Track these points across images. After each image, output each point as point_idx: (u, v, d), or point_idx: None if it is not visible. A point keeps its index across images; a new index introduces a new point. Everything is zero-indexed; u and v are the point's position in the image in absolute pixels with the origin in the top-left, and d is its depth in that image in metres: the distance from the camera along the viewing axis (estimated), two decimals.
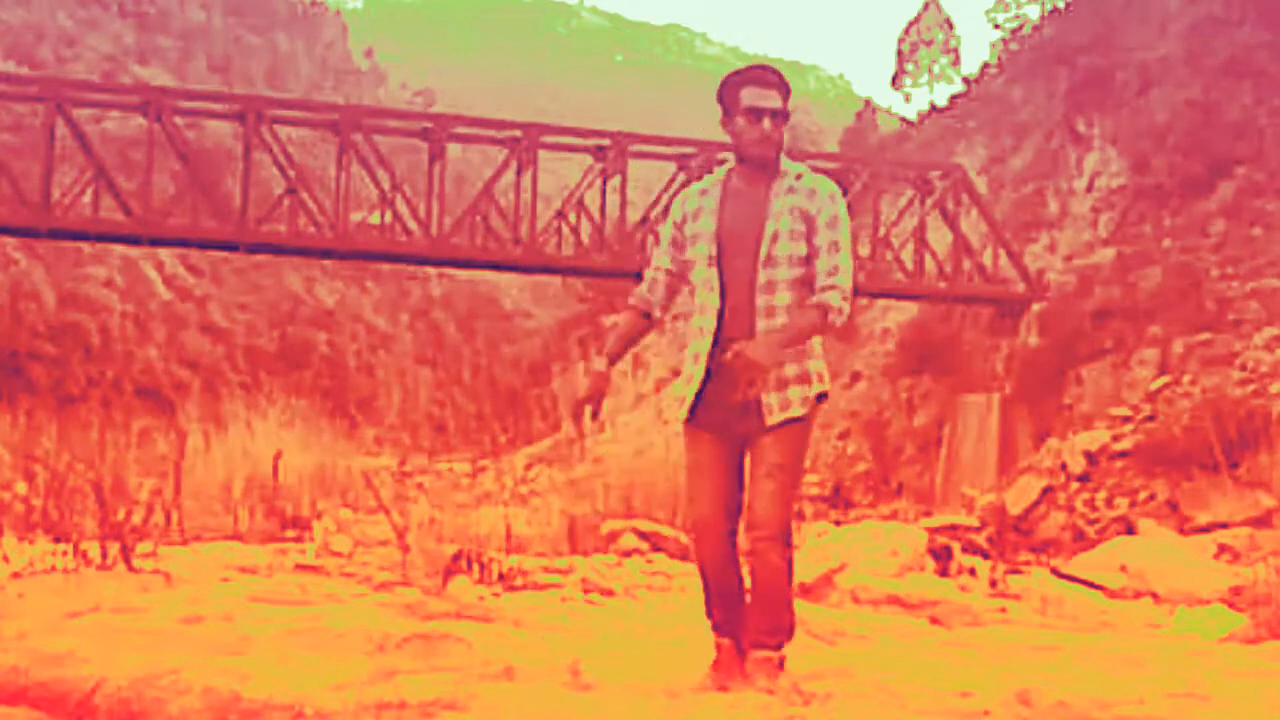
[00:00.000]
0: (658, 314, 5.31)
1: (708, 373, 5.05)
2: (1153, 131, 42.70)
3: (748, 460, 5.10)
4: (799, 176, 5.09)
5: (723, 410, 5.05)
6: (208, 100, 44.76)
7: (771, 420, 5.00)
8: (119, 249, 57.72)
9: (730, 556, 5.17)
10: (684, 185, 39.34)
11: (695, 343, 5.11)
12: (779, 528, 4.97)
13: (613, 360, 5.30)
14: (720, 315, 5.04)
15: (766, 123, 5.03)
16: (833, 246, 5.02)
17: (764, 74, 5.11)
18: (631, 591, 8.69)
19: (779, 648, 5.03)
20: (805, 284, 5.03)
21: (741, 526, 5.15)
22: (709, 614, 5.22)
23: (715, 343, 5.02)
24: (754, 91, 5.06)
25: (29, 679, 4.77)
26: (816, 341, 5.11)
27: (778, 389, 4.99)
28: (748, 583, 5.13)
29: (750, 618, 5.05)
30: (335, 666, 5.02)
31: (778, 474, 4.99)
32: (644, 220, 40.30)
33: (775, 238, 5.00)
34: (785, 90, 5.10)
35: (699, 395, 5.09)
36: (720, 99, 5.15)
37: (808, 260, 5.03)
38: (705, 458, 5.12)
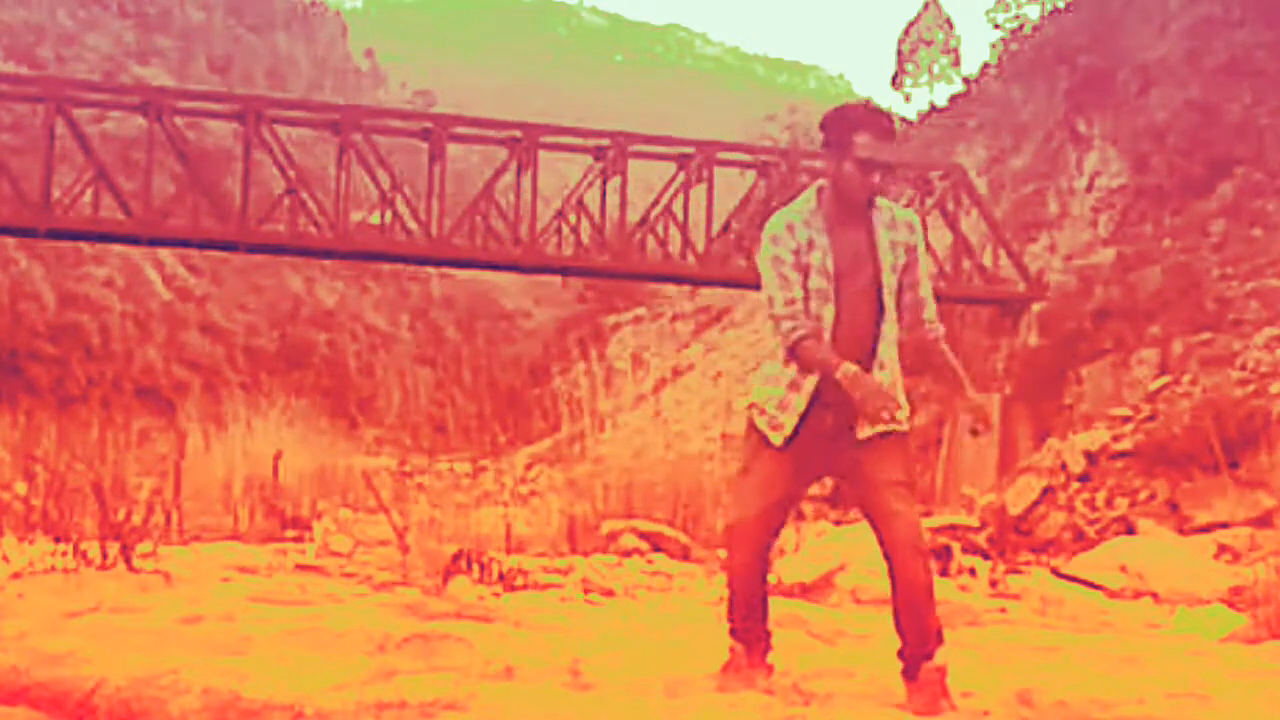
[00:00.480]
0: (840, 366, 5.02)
1: (810, 400, 5.04)
2: (1153, 131, 42.71)
3: (831, 479, 5.29)
4: (890, 211, 5.15)
5: (816, 436, 5.04)
6: (208, 100, 44.79)
7: (874, 432, 5.04)
8: (119, 249, 57.71)
9: (762, 569, 5.21)
10: (684, 186, 39.48)
11: (790, 371, 5.08)
12: (923, 543, 5.02)
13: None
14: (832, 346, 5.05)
15: (878, 176, 5.00)
16: (930, 275, 5.27)
17: (882, 122, 5.03)
18: (631, 591, 8.69)
19: (933, 655, 4.99)
20: (914, 313, 5.24)
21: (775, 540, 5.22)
22: (730, 618, 5.23)
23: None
24: (870, 142, 4.96)
25: (29, 679, 4.77)
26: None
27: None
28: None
29: (903, 632, 5.02)
30: (335, 666, 5.02)
31: (905, 491, 5.02)
32: (644, 220, 40.32)
33: (891, 271, 5.08)
34: (895, 134, 5.11)
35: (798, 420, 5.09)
36: (826, 132, 5.05)
37: (912, 290, 5.19)
38: (772, 473, 5.09)
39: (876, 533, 5.03)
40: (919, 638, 4.98)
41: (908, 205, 41.75)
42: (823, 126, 5.09)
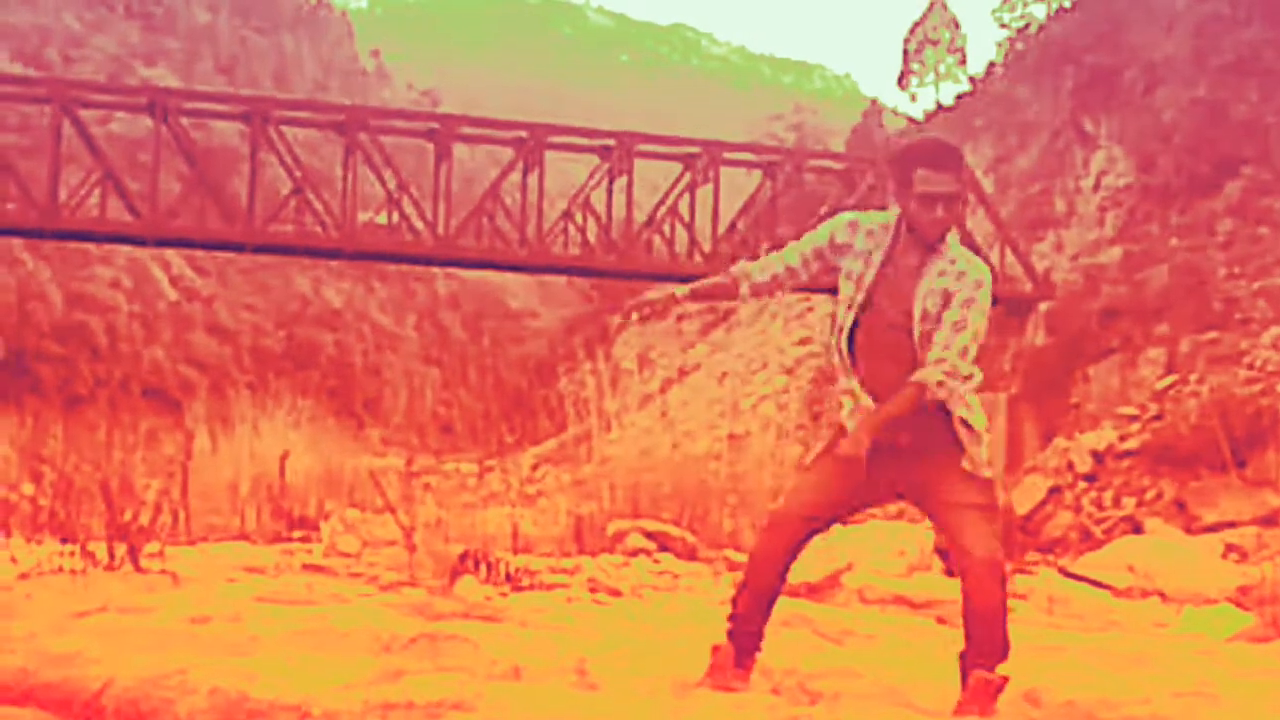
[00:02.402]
0: (746, 293, 5.22)
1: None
2: (1159, 131, 42.68)
3: (901, 498, 5.21)
4: (954, 260, 5.01)
5: (886, 452, 4.99)
6: (214, 101, 44.84)
7: (975, 471, 5.03)
8: (126, 249, 57.81)
9: (783, 560, 5.13)
10: (690, 186, 39.49)
11: (846, 383, 5.13)
12: (1001, 565, 4.99)
13: (693, 295, 5.32)
14: (852, 361, 5.08)
15: (940, 210, 4.93)
16: (957, 325, 4.94)
17: (937, 154, 4.99)
18: (638, 591, 8.69)
19: (993, 668, 4.94)
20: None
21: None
22: (734, 602, 5.16)
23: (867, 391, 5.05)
24: (926, 175, 4.92)
25: (36, 679, 4.78)
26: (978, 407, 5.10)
27: (976, 442, 5.04)
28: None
29: (970, 640, 4.97)
30: (342, 667, 5.02)
31: (989, 514, 5.02)
32: (650, 220, 40.33)
33: (924, 317, 4.96)
34: (959, 166, 5.00)
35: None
36: (892, 171, 5.05)
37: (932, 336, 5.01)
38: (837, 470, 5.05)
39: (951, 549, 5.05)
40: (984, 650, 4.94)
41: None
42: (889, 166, 5.10)
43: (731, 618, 5.12)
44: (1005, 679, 4.94)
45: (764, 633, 5.17)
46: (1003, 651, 4.97)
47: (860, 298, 5.01)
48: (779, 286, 5.26)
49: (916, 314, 4.95)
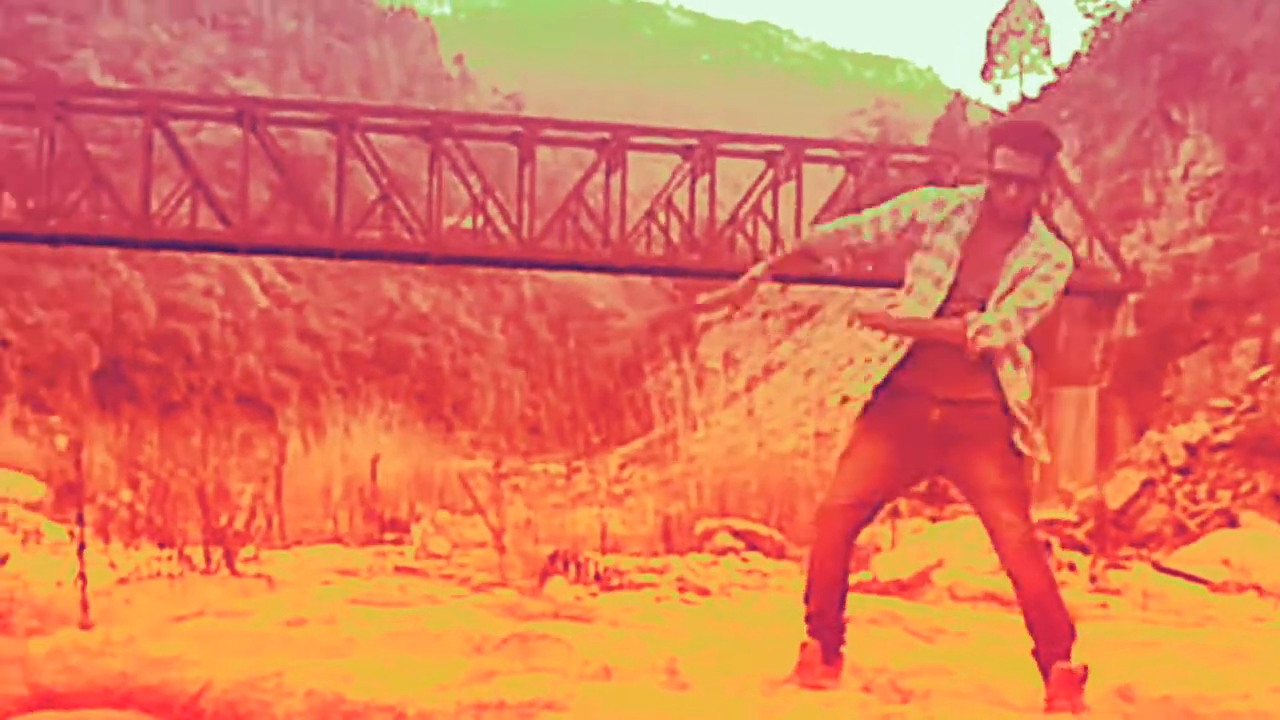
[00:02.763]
0: (815, 244, 5.24)
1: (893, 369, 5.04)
2: (1249, 118, 42.01)
3: (941, 479, 5.22)
4: (1042, 244, 5.00)
5: (913, 428, 5.01)
6: (301, 109, 45.32)
7: (1034, 453, 5.00)
8: (217, 258, 58.61)
9: (843, 550, 5.11)
10: (773, 183, 39.39)
11: (886, 348, 5.10)
12: (1036, 547, 4.98)
13: (770, 270, 5.28)
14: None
15: (1012, 189, 4.92)
16: (1028, 293, 4.92)
17: (1020, 135, 4.98)
18: (727, 590, 8.69)
19: (1068, 654, 4.92)
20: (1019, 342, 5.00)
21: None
22: (806, 600, 5.15)
23: (905, 359, 5.01)
24: (1006, 154, 4.93)
25: (136, 683, 4.86)
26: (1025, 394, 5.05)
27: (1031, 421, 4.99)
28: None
29: (1032, 631, 4.96)
30: (435, 668, 5.07)
31: (1009, 499, 4.95)
32: (734, 219, 40.26)
33: (1001, 297, 4.94)
34: (1043, 150, 4.96)
35: (886, 394, 5.07)
36: (987, 148, 5.06)
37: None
38: (874, 453, 5.07)
39: (989, 535, 5.01)
40: (1048, 637, 4.90)
41: None
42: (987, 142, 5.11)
43: (807, 618, 5.13)
44: (1085, 667, 4.89)
45: (844, 625, 5.16)
46: (1068, 633, 4.93)
47: (950, 276, 4.98)
48: (844, 244, 5.22)
49: (999, 291, 4.93)
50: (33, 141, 39.63)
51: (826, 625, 5.11)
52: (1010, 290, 4.91)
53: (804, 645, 5.10)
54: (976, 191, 5.08)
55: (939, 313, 4.97)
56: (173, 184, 39.27)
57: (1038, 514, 15.13)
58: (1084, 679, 4.88)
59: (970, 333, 4.86)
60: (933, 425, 4.97)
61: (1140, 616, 8.48)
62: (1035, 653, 4.94)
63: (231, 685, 4.73)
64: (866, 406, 5.10)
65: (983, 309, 4.91)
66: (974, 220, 5.02)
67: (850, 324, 4.89)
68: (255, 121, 37.41)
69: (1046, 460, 5.10)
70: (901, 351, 5.02)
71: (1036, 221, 5.03)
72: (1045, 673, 4.92)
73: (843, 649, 5.15)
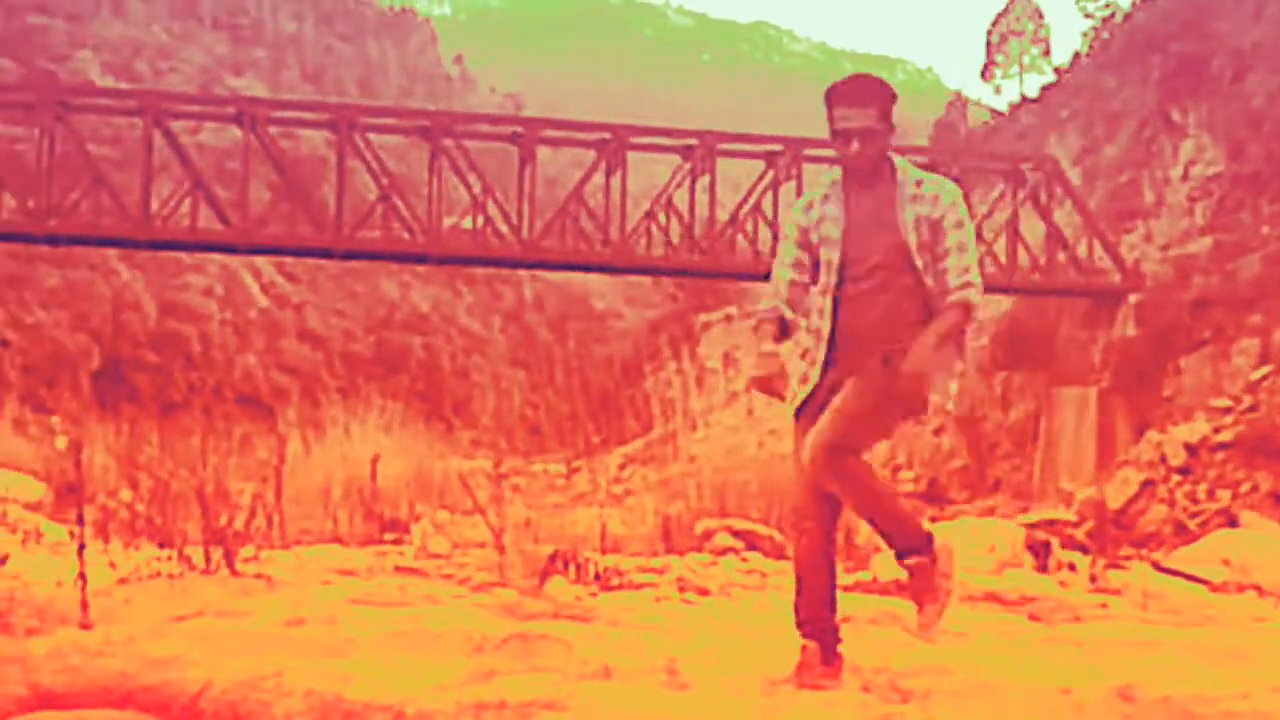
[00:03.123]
0: (789, 314, 5.23)
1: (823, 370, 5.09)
2: (1249, 118, 42.01)
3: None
4: (919, 183, 5.06)
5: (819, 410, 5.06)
6: (301, 110, 45.33)
7: (944, 401, 5.08)
8: (217, 258, 58.63)
9: (823, 553, 5.14)
10: (773, 183, 39.40)
11: (807, 341, 5.14)
12: (825, 443, 4.96)
13: (777, 341, 5.29)
14: (834, 318, 5.07)
15: (855, 144, 4.99)
16: (961, 247, 5.03)
17: (851, 91, 5.04)
18: (727, 590, 8.69)
19: (916, 550, 5.05)
20: (935, 292, 5.03)
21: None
22: (796, 608, 5.17)
23: (830, 348, 5.06)
24: (841, 112, 5.02)
25: (136, 683, 4.86)
26: None
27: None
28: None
29: (881, 537, 5.15)
30: (435, 667, 5.07)
31: (844, 403, 5.01)
32: (734, 219, 40.27)
33: (920, 247, 5.00)
34: (875, 100, 5.02)
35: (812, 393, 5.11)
36: (826, 115, 5.11)
37: (936, 263, 5.03)
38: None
39: None
40: (892, 542, 5.06)
41: (999, 198, 41.41)
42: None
43: (799, 624, 5.14)
44: (934, 558, 5.03)
45: (838, 627, 5.18)
46: (911, 540, 5.04)
47: (837, 255, 5.05)
48: (805, 295, 5.25)
49: (913, 244, 5.00)
50: (33, 141, 39.65)
51: (823, 630, 5.12)
52: (931, 239, 4.99)
53: (803, 648, 5.11)
54: (835, 173, 5.17)
55: (852, 297, 5.05)
56: (173, 184, 39.29)
57: (1038, 514, 15.13)
58: (932, 568, 5.03)
59: (971, 308, 5.00)
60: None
61: (1140, 616, 8.47)
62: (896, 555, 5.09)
63: (231, 685, 4.74)
64: (801, 406, 5.14)
65: (892, 266, 4.99)
66: (842, 197, 5.10)
67: (903, 381, 4.95)
68: (255, 121, 37.41)
69: (950, 408, 5.12)
70: (823, 350, 5.09)
71: (902, 166, 5.10)
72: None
73: (840, 648, 5.15)
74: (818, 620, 5.12)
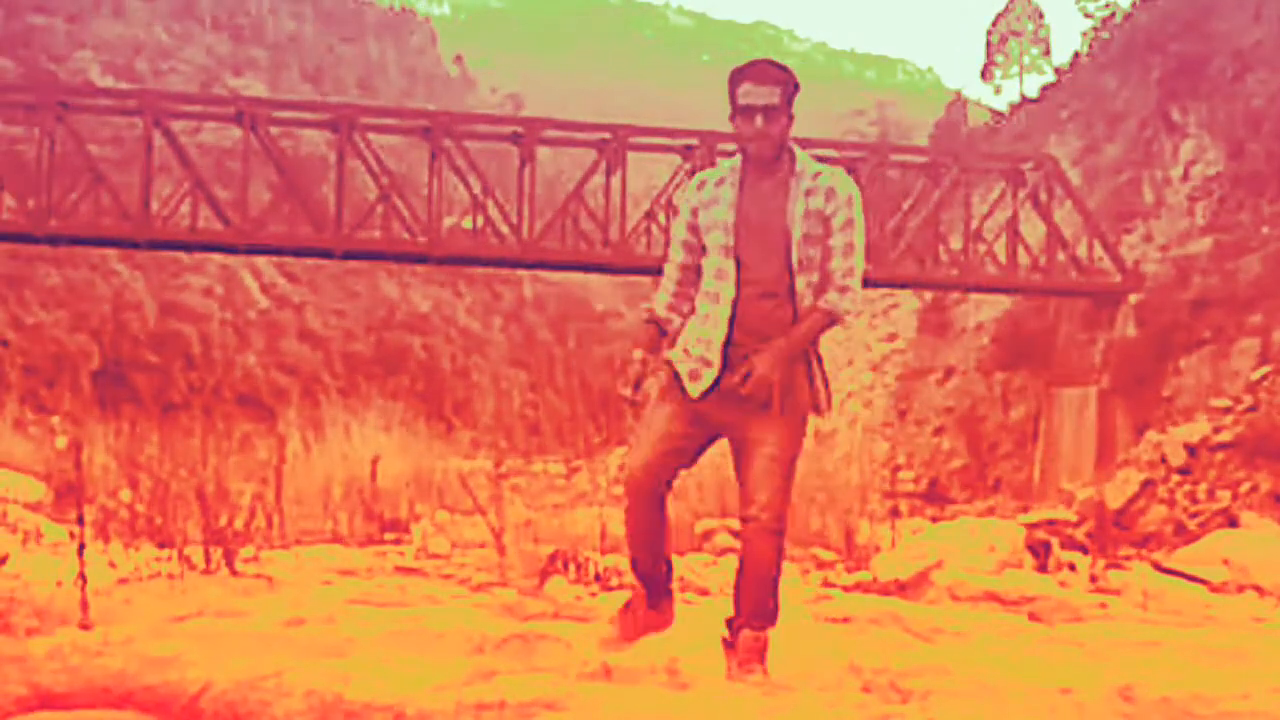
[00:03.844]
0: (677, 321, 5.26)
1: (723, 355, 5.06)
2: (1249, 117, 42.01)
3: (726, 444, 5.18)
4: (816, 175, 5.05)
5: (720, 395, 5.06)
6: (301, 110, 45.29)
7: (821, 411, 5.09)
8: (217, 258, 58.66)
9: (656, 516, 5.32)
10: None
11: (706, 329, 5.08)
12: (775, 518, 5.04)
13: (650, 351, 5.31)
14: (735, 305, 5.03)
15: (759, 119, 5.00)
16: (847, 249, 5.01)
17: (758, 70, 5.07)
18: (727, 590, 8.68)
19: (763, 629, 5.09)
20: (820, 287, 5.02)
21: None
22: (631, 557, 5.38)
23: (729, 333, 5.03)
24: (746, 88, 5.03)
25: (136, 683, 4.86)
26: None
27: (786, 385, 5.00)
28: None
29: (739, 601, 5.15)
30: (435, 667, 5.07)
31: (778, 467, 5.02)
32: None
33: (805, 239, 4.98)
34: (783, 84, 5.04)
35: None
36: (730, 100, 5.12)
37: (822, 263, 5.01)
38: (668, 422, 5.16)
39: (740, 494, 5.13)
40: (755, 613, 5.10)
41: (999, 198, 41.40)
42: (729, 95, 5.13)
43: (633, 562, 5.38)
44: (766, 636, 5.08)
45: (672, 590, 5.46)
46: (772, 615, 5.10)
47: (729, 239, 5.03)
48: (687, 288, 5.25)
49: (796, 236, 4.98)
50: (33, 141, 39.63)
51: (652, 577, 5.39)
52: (819, 235, 4.97)
53: (634, 588, 5.39)
54: (736, 160, 5.16)
55: (739, 280, 5.01)
56: (173, 184, 39.27)
57: (1038, 514, 15.11)
58: (766, 647, 5.10)
59: (836, 317, 5.00)
60: (733, 386, 5.05)
61: (1140, 617, 8.48)
62: (730, 623, 5.23)
63: (231, 685, 4.74)
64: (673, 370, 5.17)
65: (788, 268, 4.96)
66: (738, 183, 5.10)
67: (746, 380, 4.96)
68: (255, 122, 37.40)
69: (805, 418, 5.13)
70: (718, 354, 5.05)
71: (802, 158, 5.09)
72: (731, 641, 5.17)
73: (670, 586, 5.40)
74: (649, 569, 5.39)
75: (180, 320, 62.74)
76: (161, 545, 8.18)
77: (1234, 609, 9.21)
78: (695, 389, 5.09)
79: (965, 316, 47.49)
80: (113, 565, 7.55)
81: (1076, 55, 60.49)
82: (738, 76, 5.07)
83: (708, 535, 11.05)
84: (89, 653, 5.13)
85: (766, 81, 5.03)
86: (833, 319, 5.01)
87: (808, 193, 5.01)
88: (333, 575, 8.50)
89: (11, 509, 11.63)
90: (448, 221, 41.08)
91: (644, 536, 5.30)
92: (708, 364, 5.06)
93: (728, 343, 5.02)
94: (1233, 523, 27.20)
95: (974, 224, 40.65)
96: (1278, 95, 41.51)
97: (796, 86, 5.07)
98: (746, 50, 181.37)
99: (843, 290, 4.98)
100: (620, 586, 8.48)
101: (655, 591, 5.37)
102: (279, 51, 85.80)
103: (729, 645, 5.14)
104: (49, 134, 36.27)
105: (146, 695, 4.79)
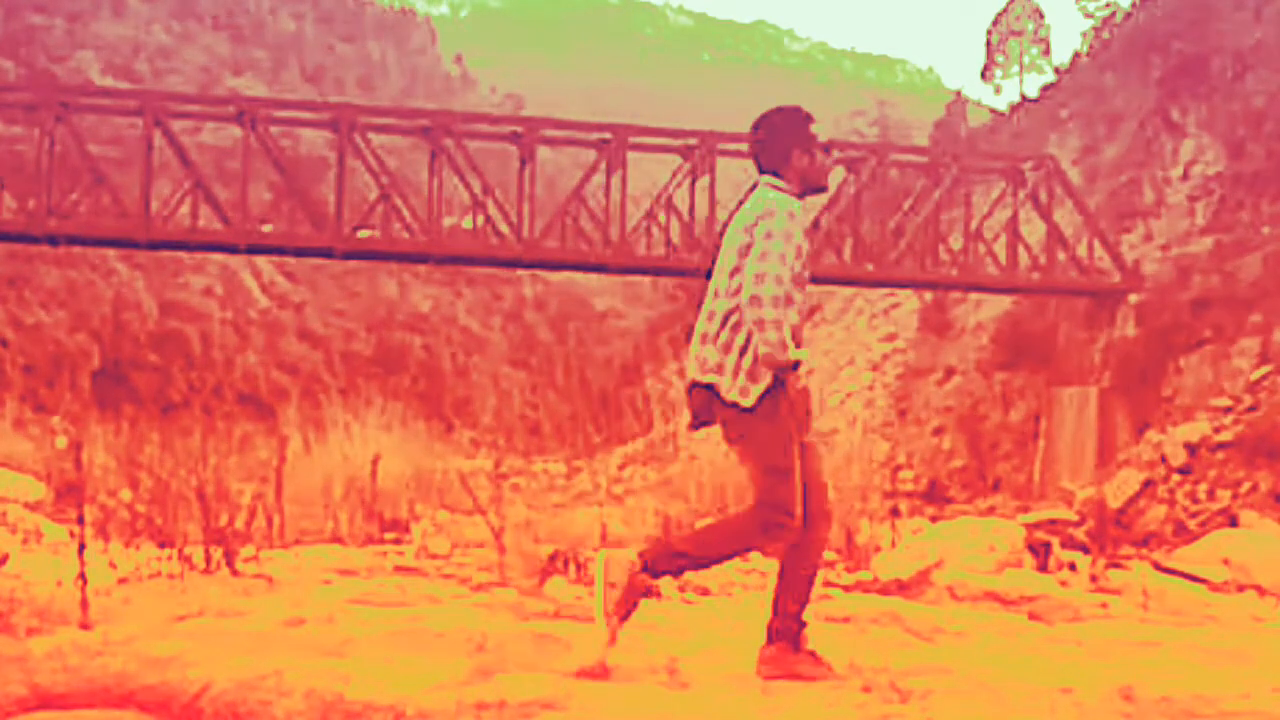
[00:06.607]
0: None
1: None
2: (1249, 117, 42.03)
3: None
4: (749, 207, 5.39)
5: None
6: (301, 109, 45.33)
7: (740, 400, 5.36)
8: (217, 258, 58.65)
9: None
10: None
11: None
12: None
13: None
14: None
15: (830, 155, 5.51)
16: (756, 278, 5.22)
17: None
18: (727, 589, 8.70)
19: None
20: None
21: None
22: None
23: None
24: (815, 128, 5.41)
25: (136, 682, 4.86)
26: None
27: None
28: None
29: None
30: (435, 667, 5.08)
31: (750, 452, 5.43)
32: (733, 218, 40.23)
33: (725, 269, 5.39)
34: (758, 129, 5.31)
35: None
36: (797, 133, 5.33)
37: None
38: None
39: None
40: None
41: (1000, 198, 41.43)
42: (793, 127, 5.26)
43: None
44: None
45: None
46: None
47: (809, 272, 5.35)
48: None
49: (726, 266, 5.40)
50: (33, 141, 39.64)
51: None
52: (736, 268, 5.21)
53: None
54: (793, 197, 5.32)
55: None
56: (173, 184, 39.28)
57: (1038, 514, 15.11)
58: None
59: (772, 356, 5.12)
60: None
61: (1141, 616, 8.48)
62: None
63: (231, 685, 4.74)
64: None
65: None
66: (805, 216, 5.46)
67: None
68: (256, 121, 37.41)
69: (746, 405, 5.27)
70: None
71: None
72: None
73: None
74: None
75: (180, 320, 62.73)
76: (161, 545, 8.18)
77: (1234, 609, 9.21)
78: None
79: (965, 316, 47.50)
80: (113, 565, 7.55)
81: (1076, 55, 60.56)
82: (809, 116, 5.29)
83: None
84: (89, 653, 5.13)
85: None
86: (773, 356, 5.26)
87: (741, 225, 5.45)
88: (333, 575, 8.49)
89: (11, 509, 11.63)
90: (448, 221, 41.10)
91: None
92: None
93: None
94: (1233, 522, 27.23)
95: (974, 224, 40.65)
96: (1278, 95, 41.52)
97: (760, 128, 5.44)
98: (746, 50, 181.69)
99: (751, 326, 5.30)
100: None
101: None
102: (279, 51, 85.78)
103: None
104: (49, 134, 36.28)
105: (146, 695, 4.79)
